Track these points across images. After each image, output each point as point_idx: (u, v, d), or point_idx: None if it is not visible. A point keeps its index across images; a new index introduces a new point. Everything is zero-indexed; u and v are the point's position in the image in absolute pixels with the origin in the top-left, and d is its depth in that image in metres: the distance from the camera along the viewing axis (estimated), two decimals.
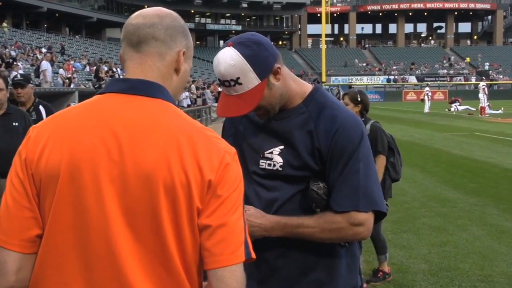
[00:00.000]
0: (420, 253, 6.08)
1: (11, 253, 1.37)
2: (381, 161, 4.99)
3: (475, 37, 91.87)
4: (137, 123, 1.36)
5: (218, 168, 1.35)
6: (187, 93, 28.79)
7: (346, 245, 2.03)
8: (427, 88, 38.39)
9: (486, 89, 32.93)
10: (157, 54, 1.46)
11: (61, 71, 25.62)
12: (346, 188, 1.91)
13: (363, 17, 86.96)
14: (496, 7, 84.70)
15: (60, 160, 1.35)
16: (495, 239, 6.60)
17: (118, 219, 1.32)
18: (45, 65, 22.84)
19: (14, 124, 5.16)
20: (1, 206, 1.40)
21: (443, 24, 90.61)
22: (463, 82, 66.48)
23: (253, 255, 1.40)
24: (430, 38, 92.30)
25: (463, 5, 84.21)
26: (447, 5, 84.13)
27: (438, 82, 66.33)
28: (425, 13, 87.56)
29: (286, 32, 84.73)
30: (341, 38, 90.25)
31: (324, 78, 53.97)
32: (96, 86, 24.56)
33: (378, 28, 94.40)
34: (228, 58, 1.87)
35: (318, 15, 72.02)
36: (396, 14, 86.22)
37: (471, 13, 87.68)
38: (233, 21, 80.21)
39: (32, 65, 26.60)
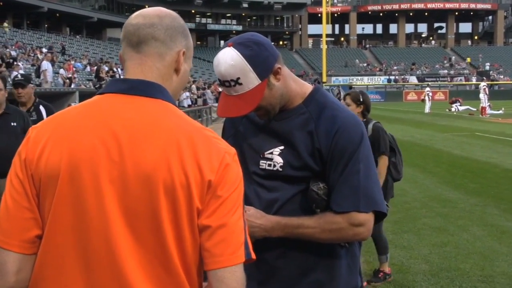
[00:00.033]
0: (420, 253, 6.08)
1: (11, 254, 1.37)
2: (384, 161, 4.99)
3: (476, 37, 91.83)
4: (137, 123, 1.36)
5: (218, 169, 1.35)
6: (187, 93, 28.80)
7: (346, 245, 2.03)
8: (427, 88, 38.41)
9: (486, 89, 32.94)
10: (157, 55, 1.46)
11: (61, 71, 25.64)
12: (346, 188, 1.91)
13: (363, 17, 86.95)
14: (497, 7, 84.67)
15: (60, 160, 1.35)
16: (495, 239, 6.60)
17: (118, 219, 1.32)
18: (46, 65, 22.86)
19: (12, 124, 5.16)
20: (0, 207, 1.39)
21: (443, 24, 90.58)
22: (464, 82, 66.46)
23: (253, 256, 1.39)
24: (431, 38, 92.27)
25: (463, 5, 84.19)
26: (448, 5, 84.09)
27: (439, 82, 66.36)
28: (426, 13, 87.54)
29: (287, 32, 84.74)
30: (342, 38, 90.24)
31: (324, 78, 53.92)
32: (96, 86, 24.56)
33: (379, 28, 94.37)
34: (228, 58, 1.87)
35: (319, 15, 72.00)
36: (396, 14, 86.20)
37: (472, 13, 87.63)
38: (234, 21, 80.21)
39: (32, 65, 26.61)
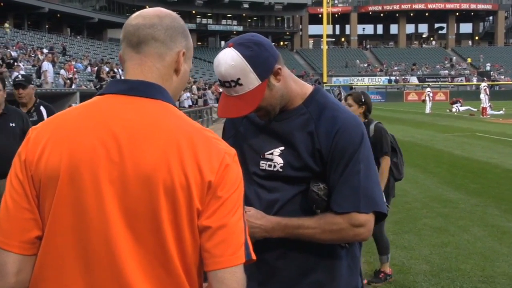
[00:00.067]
0: (421, 254, 6.07)
1: (11, 255, 1.36)
2: (387, 161, 5.00)
3: (477, 37, 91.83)
4: (137, 124, 1.36)
5: (218, 169, 1.35)
6: (188, 94, 28.79)
7: (346, 246, 2.03)
8: (428, 89, 38.40)
9: (487, 89, 32.90)
10: (157, 55, 1.46)
11: (62, 71, 25.65)
12: (346, 189, 1.91)
13: (364, 18, 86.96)
14: (497, 7, 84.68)
15: (60, 161, 1.35)
16: (496, 240, 6.60)
17: (118, 220, 1.32)
18: (46, 65, 22.87)
19: (11, 124, 5.15)
20: (0, 208, 1.39)
21: (444, 25, 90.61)
22: (465, 83, 66.42)
23: (254, 256, 1.39)
24: (432, 38, 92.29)
25: (464, 6, 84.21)
26: (449, 6, 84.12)
27: (440, 83, 66.32)
28: (427, 14, 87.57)
29: (288, 33, 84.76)
30: (343, 39, 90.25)
31: (325, 79, 53.94)
32: (97, 87, 24.56)
33: (380, 28, 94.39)
34: (228, 59, 1.87)
35: (320, 15, 71.98)
36: (397, 15, 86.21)
37: (472, 13, 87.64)
38: (235, 22, 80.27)
39: (33, 65, 26.62)
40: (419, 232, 6.95)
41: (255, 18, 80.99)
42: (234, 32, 72.19)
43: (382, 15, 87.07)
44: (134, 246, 1.32)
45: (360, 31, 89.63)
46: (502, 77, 69.78)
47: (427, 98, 35.86)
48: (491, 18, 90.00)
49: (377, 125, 5.05)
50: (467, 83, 66.06)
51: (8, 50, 27.10)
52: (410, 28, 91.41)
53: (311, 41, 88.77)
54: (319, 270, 1.99)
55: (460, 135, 19.50)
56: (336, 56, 78.54)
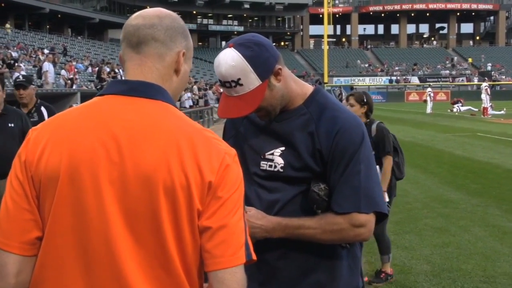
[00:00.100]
0: (422, 254, 6.07)
1: (11, 256, 1.36)
2: (389, 161, 5.01)
3: (478, 37, 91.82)
4: (137, 125, 1.36)
5: (218, 170, 1.35)
6: (189, 94, 28.79)
7: (347, 246, 2.03)
8: (429, 89, 38.37)
9: (488, 89, 32.86)
10: (157, 55, 1.46)
11: (62, 72, 25.65)
12: (347, 189, 1.91)
13: (365, 18, 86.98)
14: (498, 7, 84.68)
15: (60, 162, 1.34)
16: (497, 240, 6.59)
17: (118, 220, 1.32)
18: (47, 66, 22.88)
19: (9, 125, 5.15)
20: (1, 208, 1.39)
21: (445, 25, 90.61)
22: (466, 83, 66.38)
23: (254, 257, 1.39)
24: (433, 38, 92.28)
25: (465, 6, 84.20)
26: (450, 6, 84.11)
27: (441, 83, 66.26)
28: (427, 14, 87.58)
29: (288, 33, 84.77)
30: (343, 39, 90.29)
31: (326, 79, 53.92)
32: (98, 87, 24.55)
33: (380, 28, 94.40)
34: (229, 59, 1.87)
35: (320, 16, 71.91)
36: (398, 15, 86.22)
37: (473, 13, 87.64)
38: (235, 22, 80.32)
39: (34, 66, 26.64)
40: (420, 232, 6.94)
41: (256, 19, 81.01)
42: (235, 33, 72.20)
43: (383, 15, 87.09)
44: (134, 246, 1.32)
45: (361, 31, 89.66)
46: (503, 77, 69.73)
47: (428, 98, 35.84)
48: (492, 18, 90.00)
49: (379, 124, 5.06)
50: (468, 83, 66.00)
51: (9, 51, 27.11)
52: (411, 28, 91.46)
53: (312, 41, 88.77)
54: (320, 271, 1.99)
55: (461, 135, 19.49)
56: (337, 56, 78.54)
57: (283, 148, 1.98)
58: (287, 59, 70.60)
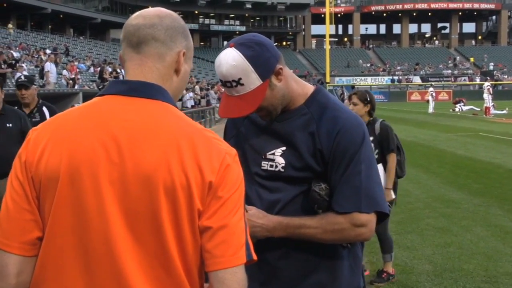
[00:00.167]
0: (424, 254, 6.07)
1: (11, 256, 1.36)
2: (393, 159, 5.03)
3: (480, 37, 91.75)
4: (137, 125, 1.36)
5: (218, 170, 1.35)
6: (191, 94, 28.80)
7: (348, 246, 2.02)
8: (431, 88, 38.30)
9: (490, 89, 32.85)
10: (157, 55, 1.45)
11: (64, 72, 25.68)
12: (348, 189, 1.91)
13: (367, 18, 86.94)
14: (500, 7, 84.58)
15: (60, 162, 1.34)
16: (499, 239, 6.59)
17: (118, 221, 1.32)
18: (49, 66, 22.90)
19: (8, 125, 5.16)
20: (1, 209, 1.39)
21: (447, 24, 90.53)
22: (468, 83, 66.33)
23: (255, 257, 1.39)
24: (435, 38, 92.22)
25: (467, 5, 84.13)
26: (452, 5, 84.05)
27: (443, 83, 66.16)
28: (429, 13, 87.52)
29: (290, 33, 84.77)
30: (345, 39, 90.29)
31: (328, 79, 53.88)
32: (100, 87, 24.57)
33: (382, 28, 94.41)
34: (229, 59, 1.87)
35: (322, 15, 71.88)
36: (400, 15, 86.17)
37: (475, 13, 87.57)
38: (237, 22, 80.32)
39: (36, 66, 26.67)
40: (422, 232, 6.94)
41: (257, 18, 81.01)
42: (237, 32, 72.20)
43: (385, 15, 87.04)
44: (134, 246, 1.32)
45: (363, 31, 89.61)
46: (506, 76, 69.68)
47: (430, 97, 35.81)
48: (494, 17, 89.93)
49: (383, 123, 5.08)
50: (470, 82, 65.95)
51: (10, 51, 27.13)
52: (413, 28, 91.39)
53: (313, 41, 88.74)
54: (321, 271, 1.99)
55: (463, 135, 19.47)
56: (339, 56, 78.56)
57: (284, 148, 1.98)
58: (289, 59, 70.65)
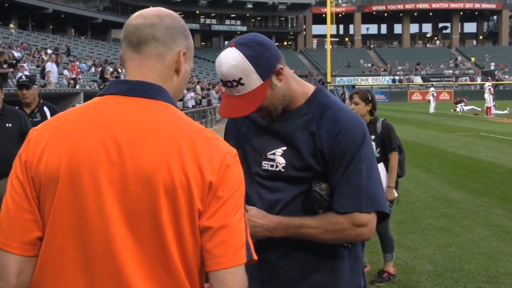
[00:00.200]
0: (425, 254, 6.06)
1: (12, 256, 1.36)
2: (395, 157, 5.05)
3: (481, 37, 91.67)
4: (137, 125, 1.36)
5: (219, 170, 1.35)
6: (192, 94, 28.82)
7: (349, 246, 2.02)
8: (432, 88, 38.28)
9: (492, 89, 32.84)
10: (157, 55, 1.45)
11: (65, 72, 25.68)
12: (348, 189, 1.91)
13: (368, 18, 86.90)
14: (501, 7, 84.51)
15: (60, 162, 1.34)
16: (500, 239, 6.58)
17: (118, 221, 1.32)
18: (50, 66, 22.89)
19: (7, 125, 5.16)
20: (1, 209, 1.40)
21: (448, 24, 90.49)
22: (469, 82, 66.30)
23: (255, 257, 1.39)
24: (436, 38, 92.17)
25: (468, 5, 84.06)
26: (453, 5, 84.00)
27: (444, 83, 66.14)
28: (431, 13, 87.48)
29: (291, 33, 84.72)
30: (346, 39, 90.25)
31: (329, 79, 53.86)
32: (101, 87, 24.58)
33: (383, 28, 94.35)
34: (230, 58, 1.86)
35: (323, 15, 71.91)
36: (401, 14, 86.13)
37: (476, 13, 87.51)
38: (238, 22, 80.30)
39: (37, 66, 26.67)
40: (423, 232, 6.93)
41: (258, 18, 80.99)
42: (238, 32, 72.17)
43: (386, 14, 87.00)
44: (134, 246, 1.32)
45: (364, 31, 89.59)
46: (507, 76, 69.62)
47: (431, 97, 35.78)
48: (495, 17, 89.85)
49: (384, 121, 5.09)
50: (471, 82, 65.94)
51: (11, 51, 27.14)
52: (414, 28, 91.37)
53: (315, 41, 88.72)
54: (321, 271, 1.98)
55: (464, 135, 19.46)
56: (340, 56, 78.53)
57: (284, 148, 1.98)
58: (290, 58, 70.66)
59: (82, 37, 54.88)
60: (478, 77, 68.12)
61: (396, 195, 5.11)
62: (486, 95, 31.88)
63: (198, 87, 32.30)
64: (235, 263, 1.33)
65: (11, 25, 41.29)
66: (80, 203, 1.33)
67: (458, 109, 35.90)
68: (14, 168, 1.40)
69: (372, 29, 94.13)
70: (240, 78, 1.87)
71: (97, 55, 43.23)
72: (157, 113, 1.39)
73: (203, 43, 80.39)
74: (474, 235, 6.79)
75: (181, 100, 26.29)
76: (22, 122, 5.26)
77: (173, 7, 53.71)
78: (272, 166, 1.99)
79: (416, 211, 8.09)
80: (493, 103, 31.73)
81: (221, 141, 1.42)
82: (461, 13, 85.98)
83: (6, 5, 47.37)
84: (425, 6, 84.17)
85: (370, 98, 5.02)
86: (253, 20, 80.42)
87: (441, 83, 64.80)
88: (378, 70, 74.97)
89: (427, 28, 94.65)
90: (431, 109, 34.63)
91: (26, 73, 17.48)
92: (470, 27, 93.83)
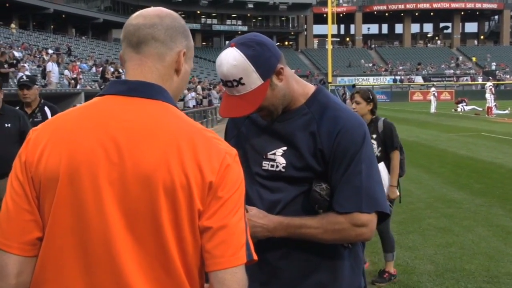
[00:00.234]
0: (425, 254, 6.06)
1: (11, 256, 1.36)
2: (397, 156, 5.06)
3: (482, 37, 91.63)
4: (137, 125, 1.36)
5: (218, 170, 1.35)
6: (193, 94, 28.83)
7: (349, 246, 2.02)
8: (433, 88, 38.25)
9: (493, 89, 32.82)
10: (157, 55, 1.45)
11: (66, 72, 25.70)
12: (348, 189, 1.91)
13: (369, 17, 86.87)
14: (503, 7, 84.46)
15: (59, 162, 1.34)
16: (501, 240, 6.58)
17: (117, 221, 1.32)
18: (51, 66, 22.91)
19: (6, 125, 5.15)
20: (1, 209, 1.40)
21: (449, 24, 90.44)
22: (470, 82, 66.24)
23: (255, 257, 1.39)
24: (437, 38, 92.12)
25: (469, 5, 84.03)
26: (454, 5, 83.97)
27: (445, 82, 66.09)
28: (432, 13, 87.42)
29: (292, 33, 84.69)
30: (347, 39, 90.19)
31: (330, 79, 53.90)
32: (102, 87, 24.59)
33: (384, 28, 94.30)
34: (230, 58, 1.86)
35: (324, 15, 71.95)
36: (402, 14, 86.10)
37: (477, 13, 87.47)
38: (239, 22, 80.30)
39: (38, 66, 26.69)
40: (424, 232, 6.93)
41: (259, 18, 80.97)
42: (239, 32, 72.13)
43: (387, 14, 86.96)
44: (134, 246, 1.32)
45: (365, 31, 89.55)
46: (508, 76, 69.56)
47: (432, 97, 35.76)
48: (496, 17, 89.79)
49: (386, 120, 5.10)
50: (473, 82, 65.88)
51: (12, 51, 27.15)
52: (415, 28, 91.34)
53: (316, 41, 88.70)
54: (322, 271, 1.98)
55: (465, 135, 19.45)
56: (341, 56, 78.50)
57: (285, 148, 1.98)
58: (291, 58, 70.65)
59: (83, 37, 54.92)
60: (479, 77, 68.07)
61: (398, 194, 5.12)
62: (487, 95, 31.85)
63: (199, 87, 32.30)
64: (234, 263, 1.33)
65: (12, 25, 41.33)
66: (80, 203, 1.33)
67: (459, 109, 35.88)
68: (14, 169, 1.40)
69: (373, 29, 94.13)
70: (241, 78, 1.87)
71: (98, 55, 43.25)
72: (157, 113, 1.39)
73: (204, 43, 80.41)
74: (474, 235, 6.78)
75: (182, 100, 26.31)
76: (21, 122, 5.25)
77: (174, 7, 53.72)
78: (272, 166, 1.99)
79: (416, 211, 8.08)
80: (494, 103, 31.70)
81: (221, 141, 1.42)
82: (462, 13, 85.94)
83: (7, 5, 47.41)
84: (426, 6, 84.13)
85: (371, 97, 5.02)
86: (254, 20, 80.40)
87: (442, 83, 64.72)
88: (379, 70, 74.94)
89: (428, 28, 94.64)
90: (432, 109, 34.61)
91: (27, 73, 17.51)
92: (471, 27, 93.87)
